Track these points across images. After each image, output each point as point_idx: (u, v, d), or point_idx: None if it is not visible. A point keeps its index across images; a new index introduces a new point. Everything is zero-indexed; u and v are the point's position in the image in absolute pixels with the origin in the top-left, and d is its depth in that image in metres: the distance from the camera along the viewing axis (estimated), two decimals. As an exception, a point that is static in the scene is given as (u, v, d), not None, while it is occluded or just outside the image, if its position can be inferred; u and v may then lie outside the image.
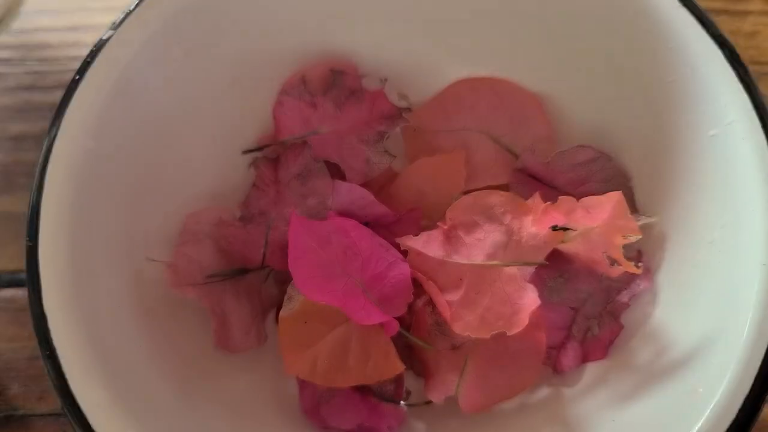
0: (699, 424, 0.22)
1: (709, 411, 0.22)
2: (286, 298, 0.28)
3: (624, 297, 0.29)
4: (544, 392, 0.29)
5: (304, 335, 0.27)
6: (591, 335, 0.29)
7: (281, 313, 0.28)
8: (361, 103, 0.31)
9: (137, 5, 0.26)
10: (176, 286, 0.27)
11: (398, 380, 0.29)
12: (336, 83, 0.31)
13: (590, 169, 0.30)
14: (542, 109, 0.32)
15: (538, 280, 0.29)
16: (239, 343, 0.29)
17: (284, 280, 0.31)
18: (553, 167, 0.30)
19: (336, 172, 0.31)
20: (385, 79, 0.32)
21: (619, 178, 0.30)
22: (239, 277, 0.30)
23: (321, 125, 0.31)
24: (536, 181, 0.31)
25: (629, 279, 0.29)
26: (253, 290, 0.30)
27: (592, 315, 0.29)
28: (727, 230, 0.25)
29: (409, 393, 0.29)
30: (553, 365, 0.29)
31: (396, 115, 0.32)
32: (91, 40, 0.39)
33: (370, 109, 0.31)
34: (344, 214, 0.30)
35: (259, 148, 0.31)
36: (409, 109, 0.33)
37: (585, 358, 0.29)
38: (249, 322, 0.29)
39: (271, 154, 0.31)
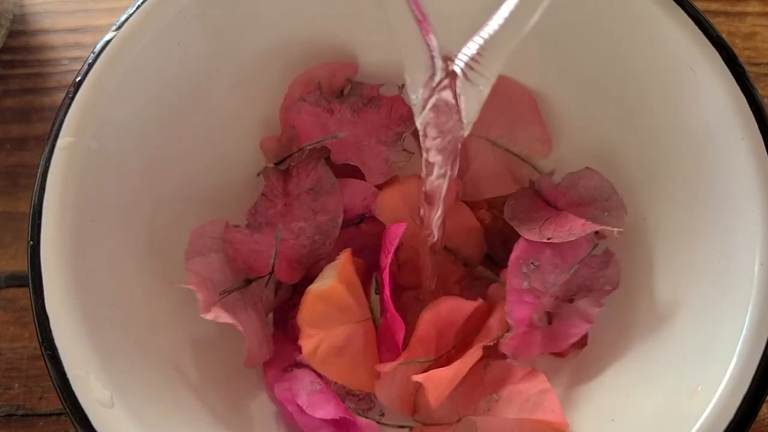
0: (698, 424, 0.22)
1: (707, 410, 0.22)
2: (320, 275, 0.28)
3: (592, 297, 0.29)
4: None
5: (320, 317, 0.28)
6: (548, 326, 0.29)
7: (310, 286, 0.28)
8: (379, 109, 0.31)
9: (138, 7, 0.26)
10: (208, 310, 0.27)
11: (369, 398, 0.29)
12: (353, 92, 0.31)
13: (593, 196, 0.30)
14: (537, 109, 0.32)
15: (514, 264, 0.29)
16: (256, 358, 0.29)
17: (280, 285, 0.31)
18: (561, 189, 0.31)
19: (352, 171, 0.31)
20: (403, 86, 0.32)
21: (618, 211, 0.29)
22: (245, 289, 0.30)
23: (339, 130, 0.31)
24: (540, 199, 0.31)
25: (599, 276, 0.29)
26: (257, 300, 0.30)
27: (553, 306, 0.29)
28: (725, 231, 0.25)
29: (382, 414, 0.30)
30: (512, 353, 0.29)
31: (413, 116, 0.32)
32: (91, 41, 0.40)
33: (388, 114, 0.32)
34: (348, 208, 0.31)
35: (279, 162, 0.31)
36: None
37: (545, 349, 0.29)
38: (261, 335, 0.29)
39: (282, 165, 0.31)
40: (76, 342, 0.23)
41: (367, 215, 0.31)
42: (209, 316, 0.27)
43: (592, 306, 0.29)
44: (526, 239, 0.29)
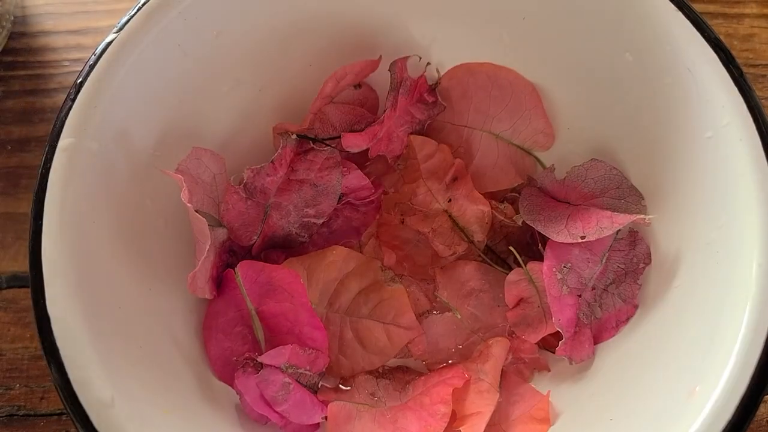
0: (696, 423, 0.22)
1: (706, 410, 0.22)
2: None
3: (630, 279, 0.29)
4: (542, 391, 0.30)
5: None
6: (595, 318, 0.29)
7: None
8: (407, 92, 0.32)
9: (139, 9, 0.27)
10: (190, 200, 0.27)
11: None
12: (392, 79, 0.31)
13: (604, 185, 0.30)
14: (540, 102, 0.32)
15: (549, 274, 0.30)
16: (198, 287, 0.28)
17: (236, 251, 0.32)
18: (567, 183, 0.31)
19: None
20: (428, 63, 0.33)
21: (633, 196, 0.30)
22: (216, 229, 0.30)
23: (383, 131, 0.32)
24: (547, 196, 0.32)
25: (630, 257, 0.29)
26: (219, 246, 0.30)
27: (596, 298, 0.29)
28: (723, 231, 0.25)
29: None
30: (569, 356, 0.29)
31: (431, 96, 0.32)
32: (92, 43, 0.40)
33: (412, 94, 0.32)
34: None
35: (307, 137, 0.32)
36: (438, 83, 0.33)
37: (596, 340, 0.29)
38: (208, 274, 0.29)
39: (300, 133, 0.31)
40: (77, 342, 0.23)
41: (344, 198, 0.32)
42: (185, 198, 0.27)
43: (632, 287, 0.29)
44: (551, 246, 0.30)
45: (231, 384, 0.29)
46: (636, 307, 0.29)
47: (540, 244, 0.31)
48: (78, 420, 0.22)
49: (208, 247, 0.28)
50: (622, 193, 0.30)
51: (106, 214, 0.26)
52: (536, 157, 0.33)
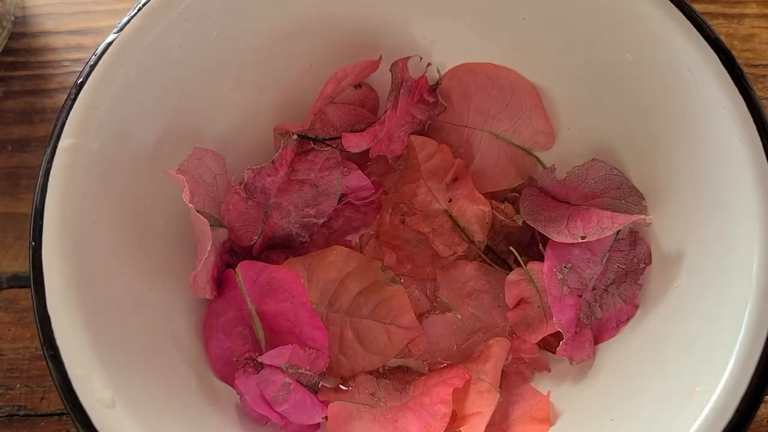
0: (696, 424, 0.22)
1: (706, 410, 0.22)
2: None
3: (630, 279, 0.29)
4: (542, 391, 0.30)
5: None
6: (596, 318, 0.29)
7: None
8: (408, 92, 0.32)
9: (139, 9, 0.27)
10: (191, 200, 0.27)
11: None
12: (393, 79, 0.31)
13: (604, 185, 0.30)
14: (540, 102, 0.32)
15: (549, 274, 0.30)
16: (199, 287, 0.28)
17: (237, 251, 0.32)
18: (568, 183, 0.31)
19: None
20: (429, 64, 0.33)
21: (633, 197, 0.30)
22: (216, 230, 0.30)
23: (383, 131, 0.32)
24: (548, 196, 0.32)
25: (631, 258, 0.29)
26: (219, 245, 0.30)
27: (596, 298, 0.29)
28: (723, 231, 0.25)
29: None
30: (569, 356, 0.29)
31: (432, 96, 0.33)
32: (93, 43, 0.40)
33: (413, 95, 0.32)
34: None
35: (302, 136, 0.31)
36: (438, 84, 0.33)
37: (597, 340, 0.29)
38: (209, 274, 0.29)
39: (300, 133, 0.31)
40: (78, 342, 0.23)
41: (345, 198, 0.32)
42: (186, 199, 0.27)
43: (633, 287, 0.29)
44: (551, 246, 0.30)
45: (231, 384, 0.29)
46: (636, 307, 0.29)
47: (540, 244, 0.32)
48: (78, 420, 0.22)
49: (209, 247, 0.28)
50: (623, 194, 0.30)
51: (107, 214, 0.26)
52: (536, 157, 0.33)
